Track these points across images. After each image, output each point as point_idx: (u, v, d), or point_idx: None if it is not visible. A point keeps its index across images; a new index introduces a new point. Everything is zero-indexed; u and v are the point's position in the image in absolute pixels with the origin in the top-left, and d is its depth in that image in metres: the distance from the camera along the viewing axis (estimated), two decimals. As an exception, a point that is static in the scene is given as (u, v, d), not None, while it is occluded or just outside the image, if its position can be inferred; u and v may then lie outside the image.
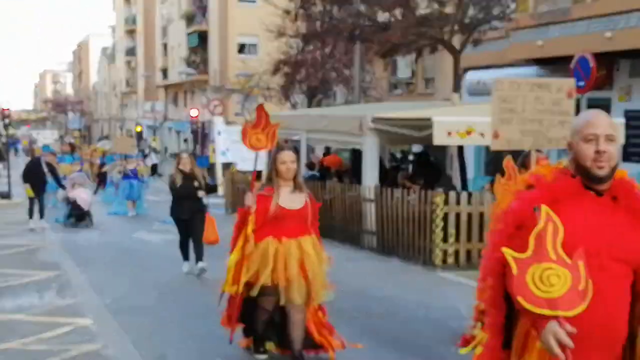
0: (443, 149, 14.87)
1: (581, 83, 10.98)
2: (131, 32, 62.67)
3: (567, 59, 12.10)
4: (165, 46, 50.35)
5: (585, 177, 2.44)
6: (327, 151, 17.50)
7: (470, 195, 10.05)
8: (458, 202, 9.77)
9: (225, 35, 38.63)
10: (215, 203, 14.97)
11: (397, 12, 14.48)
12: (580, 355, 2.24)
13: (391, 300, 7.72)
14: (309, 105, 23.44)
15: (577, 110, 5.37)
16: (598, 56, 11.78)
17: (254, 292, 5.11)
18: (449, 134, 9.51)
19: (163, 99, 51.36)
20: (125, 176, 17.12)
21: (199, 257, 9.04)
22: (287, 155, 5.12)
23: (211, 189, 9.84)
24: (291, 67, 23.29)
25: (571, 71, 11.42)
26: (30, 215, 14.22)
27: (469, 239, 9.80)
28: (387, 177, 12.63)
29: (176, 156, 10.16)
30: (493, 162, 18.60)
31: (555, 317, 2.18)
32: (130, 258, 10.87)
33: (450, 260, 9.74)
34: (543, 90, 5.15)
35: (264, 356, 5.50)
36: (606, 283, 2.32)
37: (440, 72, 20.03)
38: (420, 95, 21.54)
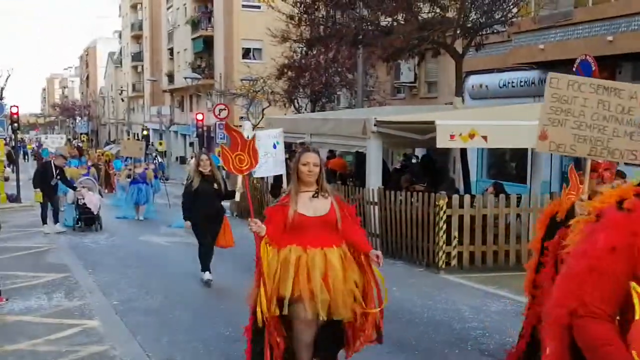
0: (446, 152, 14.98)
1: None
2: (138, 38, 63.11)
3: (569, 62, 12.14)
4: (171, 51, 50.67)
5: None
6: (331, 154, 17.61)
7: (473, 197, 10.13)
8: (461, 205, 9.85)
9: (230, 40, 38.84)
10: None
11: (400, 16, 14.57)
12: None
13: (395, 302, 7.77)
14: (313, 110, 23.56)
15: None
16: (600, 59, 11.82)
17: (285, 310, 4.50)
18: (452, 137, 9.50)
19: (169, 103, 51.66)
20: (134, 181, 17.23)
21: (205, 266, 8.78)
22: (310, 157, 4.70)
23: (229, 195, 8.90)
24: (295, 71, 23.45)
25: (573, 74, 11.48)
26: (44, 220, 14.13)
27: (472, 241, 9.88)
28: (391, 179, 12.72)
29: (194, 157, 9.60)
30: (495, 165, 18.73)
31: None
32: (138, 260, 10.90)
33: (454, 262, 9.82)
34: (610, 95, 4.44)
35: None
36: None
37: (442, 76, 20.12)
38: (422, 99, 21.63)
